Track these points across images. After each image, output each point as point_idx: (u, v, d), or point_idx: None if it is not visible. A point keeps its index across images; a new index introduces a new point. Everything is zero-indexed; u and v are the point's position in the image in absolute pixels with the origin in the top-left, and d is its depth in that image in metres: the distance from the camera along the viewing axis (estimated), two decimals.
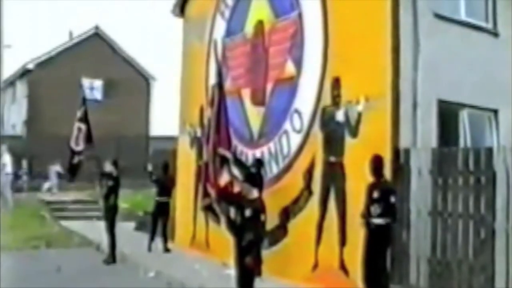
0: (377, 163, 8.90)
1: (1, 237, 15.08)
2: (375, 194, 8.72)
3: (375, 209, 8.67)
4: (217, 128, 11.10)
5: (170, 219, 15.27)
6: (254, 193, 8.65)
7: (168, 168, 15.31)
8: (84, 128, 15.01)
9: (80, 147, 14.98)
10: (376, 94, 9.63)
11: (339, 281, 9.93)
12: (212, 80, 13.66)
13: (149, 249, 14.59)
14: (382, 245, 8.74)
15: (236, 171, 12.14)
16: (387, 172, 9.17)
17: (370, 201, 8.76)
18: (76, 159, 15.04)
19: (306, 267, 10.68)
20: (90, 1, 63.35)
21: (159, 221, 14.89)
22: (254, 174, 10.84)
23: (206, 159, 11.61)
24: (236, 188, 10.42)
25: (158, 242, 14.67)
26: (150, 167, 15.43)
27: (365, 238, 8.82)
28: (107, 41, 38.27)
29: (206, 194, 13.64)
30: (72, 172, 15.62)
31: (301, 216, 11.16)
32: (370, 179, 8.91)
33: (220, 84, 11.40)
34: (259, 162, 12.08)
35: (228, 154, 11.89)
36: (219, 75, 11.64)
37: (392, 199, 8.67)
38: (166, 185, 15.02)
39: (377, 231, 8.69)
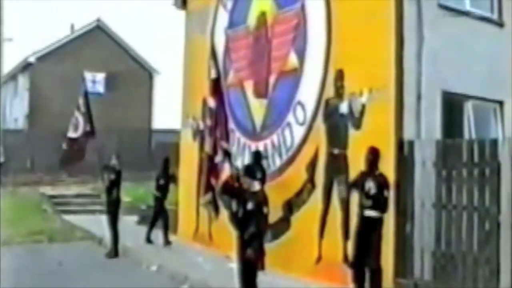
0: (374, 155, 8.84)
1: (2, 231, 15.06)
2: (368, 186, 8.68)
3: (367, 201, 8.65)
4: (216, 122, 11.00)
5: (173, 212, 15.21)
6: (256, 186, 8.57)
7: (169, 163, 15.22)
8: (81, 119, 14.94)
9: (74, 134, 14.98)
10: (380, 86, 9.55)
11: (342, 274, 9.84)
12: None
13: (148, 240, 14.58)
14: (373, 239, 8.67)
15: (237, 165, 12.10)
16: (391, 164, 9.11)
17: (363, 192, 8.74)
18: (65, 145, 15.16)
19: (309, 260, 10.63)
20: None
21: (160, 215, 14.86)
22: (252, 167, 10.75)
23: (209, 151, 11.54)
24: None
25: (160, 235, 14.62)
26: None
27: (355, 230, 8.90)
28: (109, 34, 38.16)
29: (208, 187, 13.61)
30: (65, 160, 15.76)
31: (304, 209, 11.09)
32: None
33: (217, 78, 11.24)
34: (257, 155, 11.98)
35: (229, 148, 11.81)
36: (216, 68, 11.47)
37: (386, 193, 8.65)
38: (165, 181, 14.96)
39: (368, 223, 8.68)
